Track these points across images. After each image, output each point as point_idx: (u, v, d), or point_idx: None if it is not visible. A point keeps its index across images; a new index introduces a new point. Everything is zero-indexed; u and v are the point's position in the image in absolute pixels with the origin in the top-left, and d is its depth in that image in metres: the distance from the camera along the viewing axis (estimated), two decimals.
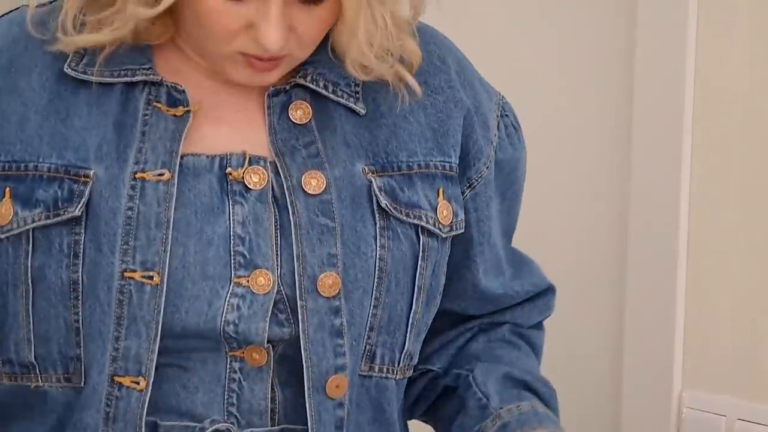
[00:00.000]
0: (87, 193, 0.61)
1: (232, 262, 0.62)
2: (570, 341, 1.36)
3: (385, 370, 0.68)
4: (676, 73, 1.20)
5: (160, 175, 0.61)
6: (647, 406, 1.28)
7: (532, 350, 0.77)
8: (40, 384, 0.64)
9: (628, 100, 1.26)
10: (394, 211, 0.66)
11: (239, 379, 0.64)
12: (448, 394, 0.73)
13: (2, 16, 0.68)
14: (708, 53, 1.19)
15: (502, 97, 0.75)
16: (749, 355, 1.20)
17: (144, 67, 0.63)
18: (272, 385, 0.64)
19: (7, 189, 0.61)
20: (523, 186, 0.77)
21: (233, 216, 0.62)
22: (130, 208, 0.61)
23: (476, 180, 0.71)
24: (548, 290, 0.79)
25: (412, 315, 0.68)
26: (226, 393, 0.64)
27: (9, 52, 0.64)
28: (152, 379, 0.61)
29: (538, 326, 0.80)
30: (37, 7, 0.65)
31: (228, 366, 0.63)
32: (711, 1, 1.18)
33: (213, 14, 0.58)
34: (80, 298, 0.61)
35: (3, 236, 0.61)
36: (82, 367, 0.62)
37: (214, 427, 0.63)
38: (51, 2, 0.66)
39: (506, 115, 0.74)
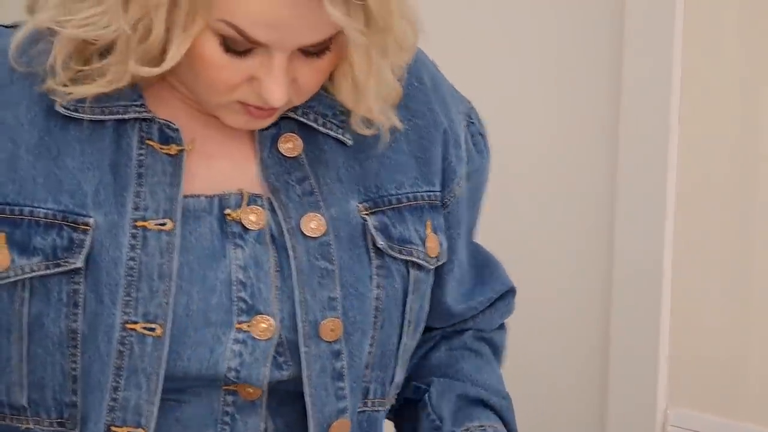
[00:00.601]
0: (88, 242, 0.59)
1: (234, 308, 0.61)
2: (554, 358, 1.37)
3: (376, 403, 0.69)
4: (664, 72, 1.21)
5: (162, 224, 0.60)
6: (632, 424, 1.29)
7: (494, 353, 0.77)
8: (31, 426, 0.62)
9: (615, 102, 1.26)
10: (389, 249, 0.65)
11: (232, 412, 0.63)
12: (409, 406, 0.73)
13: None
14: (695, 55, 1.19)
15: (469, 103, 0.74)
16: (734, 374, 1.21)
17: (135, 104, 0.60)
18: (265, 417, 0.64)
19: (2, 234, 0.59)
20: (486, 185, 0.76)
21: (235, 261, 0.61)
22: (132, 258, 0.59)
23: (449, 200, 0.70)
24: (509, 292, 0.78)
25: (401, 347, 0.68)
26: (219, 426, 0.63)
27: None
28: (152, 430, 0.60)
29: (501, 327, 0.80)
30: (8, 27, 0.63)
31: (222, 399, 0.63)
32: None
33: (213, 69, 0.57)
34: (79, 347, 0.59)
35: None
36: (78, 414, 0.61)
37: None
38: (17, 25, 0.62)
39: (472, 123, 0.73)
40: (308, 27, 0.55)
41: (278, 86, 0.56)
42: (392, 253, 0.65)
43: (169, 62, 0.55)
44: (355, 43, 0.55)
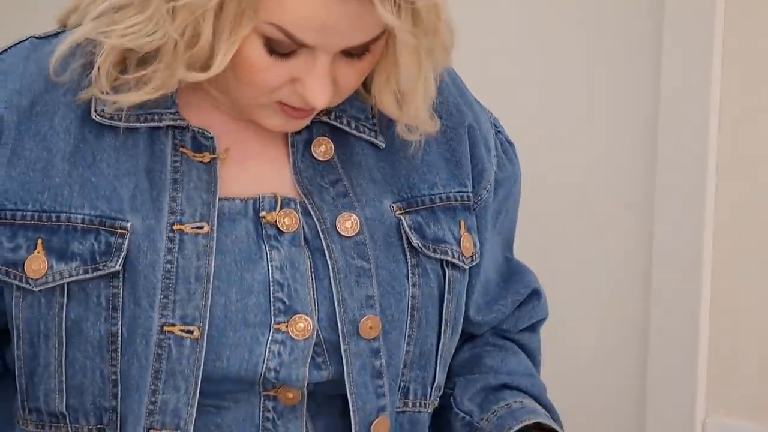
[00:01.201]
0: (125, 246, 0.59)
1: (272, 309, 0.61)
2: (593, 367, 1.35)
3: (418, 404, 0.68)
4: (703, 78, 1.19)
5: (199, 228, 0.60)
6: None
7: (522, 350, 0.76)
8: None
9: (654, 108, 1.25)
10: (423, 249, 0.65)
11: (273, 418, 0.63)
12: (440, 414, 0.72)
13: (8, 48, 0.65)
14: (733, 60, 1.18)
15: (492, 113, 0.74)
16: None
17: (170, 111, 0.61)
18: (305, 421, 0.64)
19: (39, 240, 0.60)
20: (518, 196, 0.76)
21: (271, 262, 0.61)
22: (169, 262, 0.59)
23: (477, 203, 0.70)
24: (533, 294, 0.76)
25: (440, 348, 0.68)
26: None
27: (30, 93, 0.62)
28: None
29: (531, 329, 0.78)
30: (41, 38, 0.64)
31: (261, 405, 0.63)
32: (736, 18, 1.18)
33: (257, 70, 0.57)
34: (119, 350, 0.59)
35: (36, 289, 0.60)
36: (118, 418, 0.61)
37: None
38: (58, 33, 0.63)
39: (500, 132, 0.73)
40: (357, 29, 0.55)
41: (322, 87, 0.56)
42: (427, 252, 0.65)
43: (217, 67, 0.55)
44: (405, 44, 0.55)
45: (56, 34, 0.64)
